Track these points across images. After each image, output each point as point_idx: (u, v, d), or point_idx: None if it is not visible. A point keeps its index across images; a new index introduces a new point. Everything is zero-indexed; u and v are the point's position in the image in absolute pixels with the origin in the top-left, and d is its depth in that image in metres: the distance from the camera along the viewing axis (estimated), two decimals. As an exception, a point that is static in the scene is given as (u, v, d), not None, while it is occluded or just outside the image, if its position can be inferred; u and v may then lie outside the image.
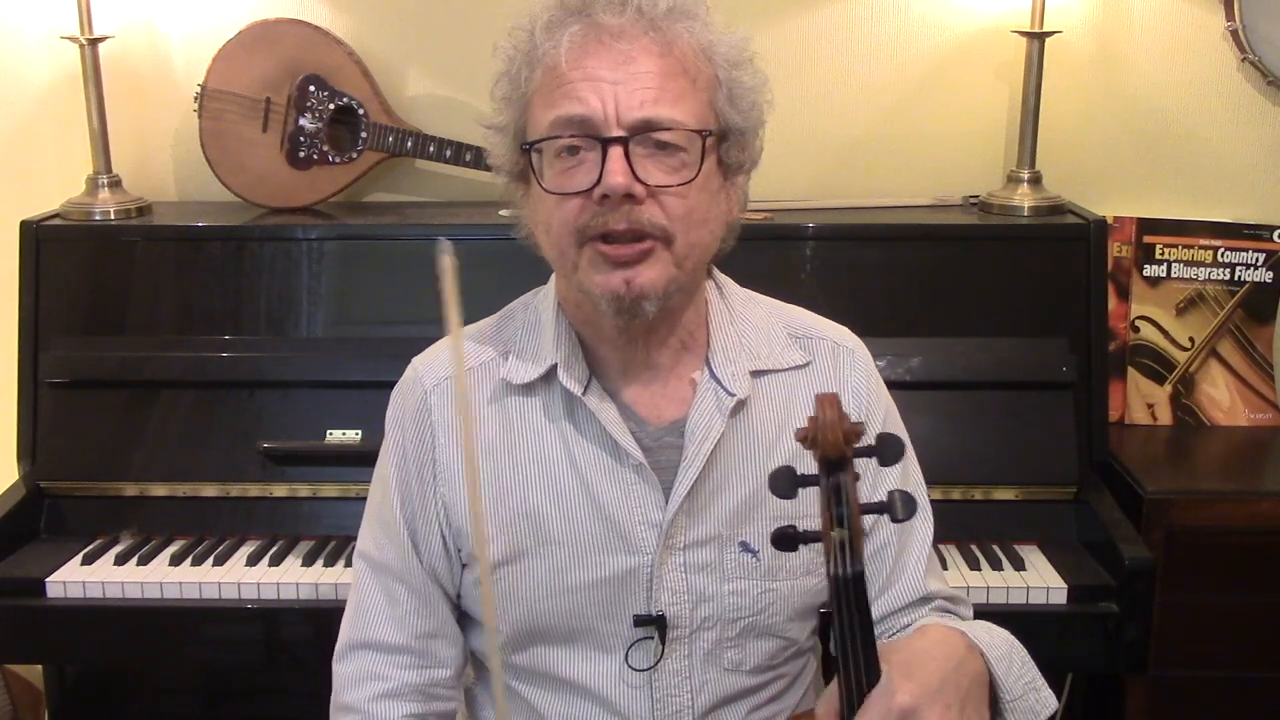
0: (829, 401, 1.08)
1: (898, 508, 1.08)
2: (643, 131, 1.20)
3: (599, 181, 1.19)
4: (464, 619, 1.41)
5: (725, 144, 1.27)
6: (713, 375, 1.33)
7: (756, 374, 1.35)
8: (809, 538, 1.10)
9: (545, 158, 1.24)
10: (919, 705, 1.09)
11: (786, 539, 1.11)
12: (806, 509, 1.34)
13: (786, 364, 1.37)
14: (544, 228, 1.27)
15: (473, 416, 1.34)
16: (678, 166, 1.22)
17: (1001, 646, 1.26)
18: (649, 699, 1.33)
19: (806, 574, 1.36)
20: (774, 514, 1.32)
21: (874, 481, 1.36)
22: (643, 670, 1.33)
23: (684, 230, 1.22)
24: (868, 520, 1.37)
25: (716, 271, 1.40)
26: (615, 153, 1.19)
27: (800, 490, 1.10)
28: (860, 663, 1.10)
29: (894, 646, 1.17)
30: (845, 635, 1.09)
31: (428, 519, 1.35)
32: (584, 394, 1.30)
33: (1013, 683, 1.24)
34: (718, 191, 1.28)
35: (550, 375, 1.32)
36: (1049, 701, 1.28)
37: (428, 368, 1.38)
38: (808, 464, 1.35)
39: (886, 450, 1.08)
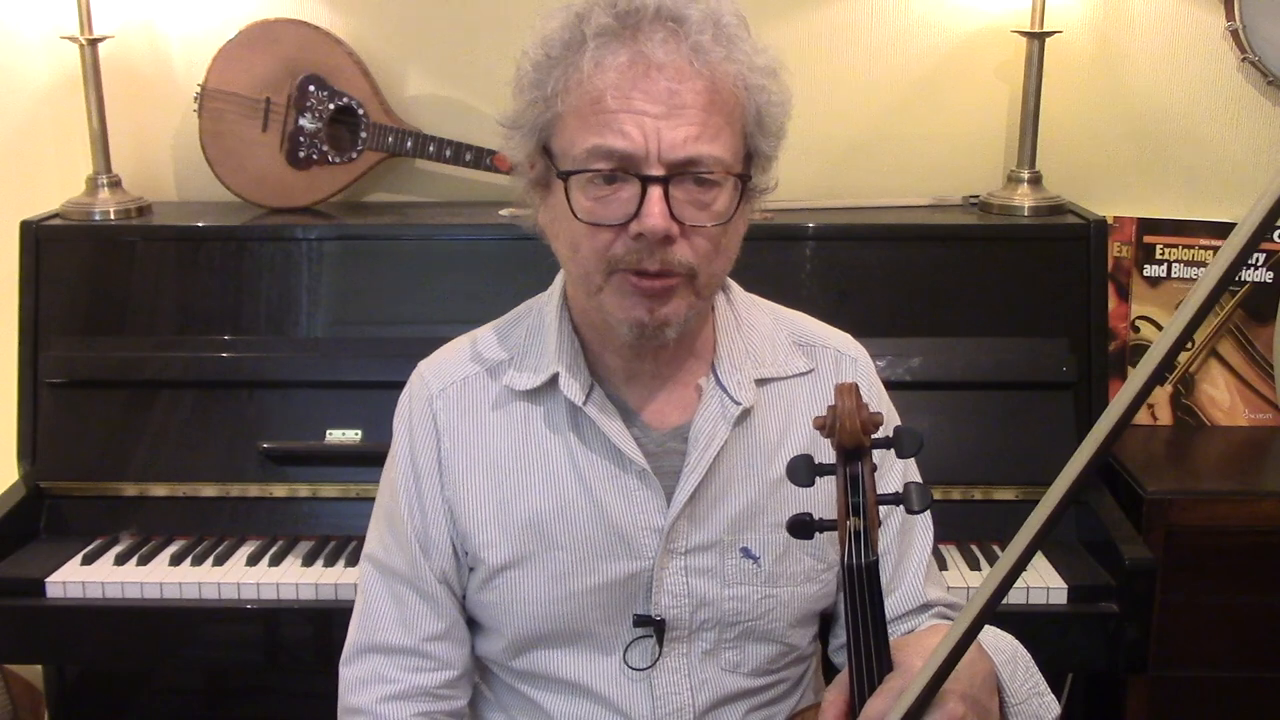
0: (848, 390, 1.09)
1: (913, 499, 1.08)
2: (683, 169, 1.18)
3: (635, 216, 1.17)
4: (469, 623, 1.41)
5: (752, 173, 1.25)
6: (719, 383, 1.33)
7: (761, 382, 1.35)
8: (824, 526, 1.11)
9: (576, 180, 1.21)
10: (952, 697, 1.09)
11: (802, 526, 1.12)
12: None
13: (790, 371, 1.37)
14: (569, 246, 1.24)
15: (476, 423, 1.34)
16: (711, 202, 1.20)
17: (1007, 650, 1.26)
18: (649, 696, 1.34)
19: (807, 580, 1.36)
20: (776, 521, 1.32)
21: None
22: (641, 669, 1.33)
23: (707, 265, 1.22)
24: None
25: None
26: (655, 194, 1.17)
27: (817, 479, 1.11)
28: (872, 653, 1.10)
29: (905, 641, 1.17)
30: (857, 625, 1.10)
31: (437, 522, 1.35)
32: (585, 403, 1.30)
33: (1017, 687, 1.24)
34: (738, 219, 1.25)
35: (554, 382, 1.32)
36: (1052, 707, 1.28)
37: (434, 373, 1.38)
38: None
39: (904, 442, 1.08)
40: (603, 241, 1.20)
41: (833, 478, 1.12)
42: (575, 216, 1.21)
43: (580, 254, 1.23)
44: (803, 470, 1.11)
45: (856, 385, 1.10)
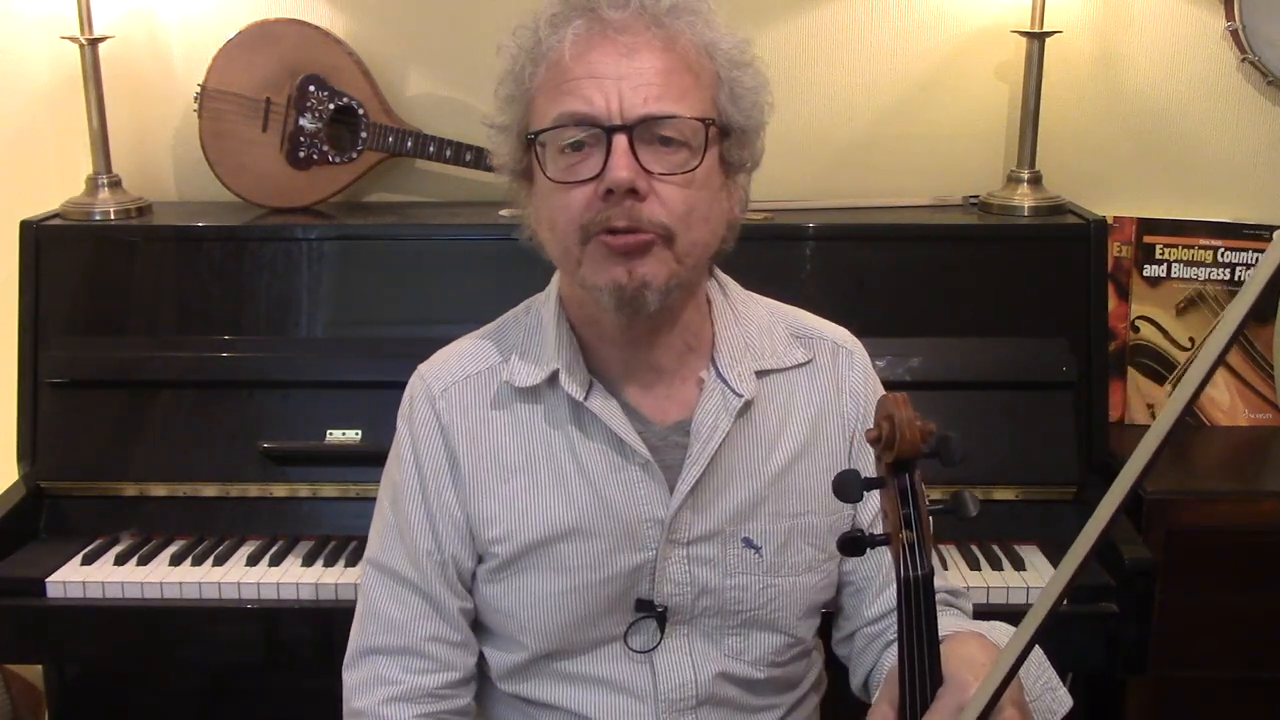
0: (903, 401, 1.05)
1: (968, 506, 1.05)
2: (645, 122, 1.20)
3: (603, 172, 1.19)
4: (475, 624, 1.41)
5: (727, 141, 1.27)
6: (719, 376, 1.34)
7: (760, 374, 1.36)
8: (876, 541, 1.08)
9: (549, 152, 1.24)
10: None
11: (853, 543, 1.08)
12: (804, 506, 1.35)
13: (789, 362, 1.38)
14: (548, 224, 1.26)
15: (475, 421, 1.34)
16: (680, 162, 1.22)
17: None
18: (650, 678, 1.34)
19: (808, 570, 1.37)
20: (777, 511, 1.34)
21: None
22: (642, 652, 1.34)
23: (685, 228, 1.23)
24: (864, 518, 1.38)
25: (718, 271, 1.40)
26: (620, 143, 1.19)
27: (866, 494, 1.07)
28: (925, 667, 1.09)
29: (950, 652, 1.15)
30: (911, 637, 1.07)
31: (441, 523, 1.35)
32: (587, 398, 1.31)
33: (1031, 684, 1.24)
34: (719, 189, 1.28)
35: (553, 379, 1.32)
36: (1065, 700, 1.29)
37: (434, 374, 1.38)
38: (813, 461, 1.36)
39: (952, 451, 1.05)
40: (576, 206, 1.22)
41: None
42: (547, 177, 1.23)
43: (558, 227, 1.24)
44: (852, 486, 1.07)
45: (907, 395, 1.06)
